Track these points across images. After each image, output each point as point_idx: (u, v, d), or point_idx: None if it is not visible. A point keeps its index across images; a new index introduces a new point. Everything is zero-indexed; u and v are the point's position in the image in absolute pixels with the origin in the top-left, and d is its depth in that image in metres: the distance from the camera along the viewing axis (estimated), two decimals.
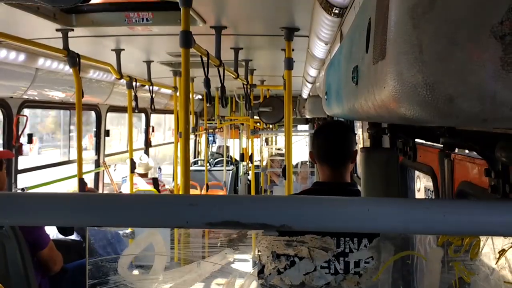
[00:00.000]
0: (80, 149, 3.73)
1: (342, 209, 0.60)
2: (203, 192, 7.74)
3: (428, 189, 1.88)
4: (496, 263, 0.66)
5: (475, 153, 1.26)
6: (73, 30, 3.01)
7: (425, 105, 0.57)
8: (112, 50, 3.91)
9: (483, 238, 0.67)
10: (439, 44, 0.55)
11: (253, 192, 7.38)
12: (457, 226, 0.59)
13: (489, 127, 0.60)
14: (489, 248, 0.68)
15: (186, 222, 0.61)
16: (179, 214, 0.60)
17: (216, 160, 10.78)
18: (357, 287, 0.73)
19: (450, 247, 0.69)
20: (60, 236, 3.88)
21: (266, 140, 10.46)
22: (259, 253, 0.70)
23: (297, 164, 9.38)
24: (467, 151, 1.31)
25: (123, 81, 4.86)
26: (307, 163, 9.37)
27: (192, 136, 10.33)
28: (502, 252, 0.65)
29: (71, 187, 5.85)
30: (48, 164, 5.14)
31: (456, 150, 1.44)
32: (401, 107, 0.62)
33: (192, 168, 9.49)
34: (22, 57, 3.60)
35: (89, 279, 0.69)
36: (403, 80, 0.58)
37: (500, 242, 0.66)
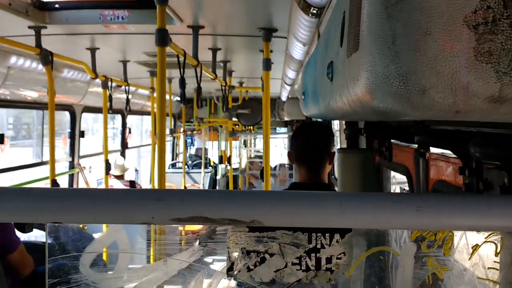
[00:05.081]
0: (52, 149, 3.63)
1: (314, 204, 0.58)
2: None
3: (404, 189, 1.89)
4: (470, 258, 0.65)
5: (449, 152, 1.26)
6: (46, 27, 2.93)
7: (398, 97, 0.56)
8: (87, 48, 3.83)
9: (456, 233, 0.66)
10: (412, 34, 0.54)
11: None
12: (430, 221, 0.58)
13: (462, 119, 0.59)
14: (463, 243, 0.67)
15: (152, 217, 0.58)
16: (145, 209, 0.57)
17: (194, 163, 10.70)
18: (329, 283, 0.71)
19: (423, 242, 0.68)
20: (32, 239, 3.77)
21: (245, 142, 10.44)
22: (229, 250, 0.68)
23: (275, 167, 9.39)
24: (441, 150, 1.31)
25: (98, 81, 4.77)
26: (286, 165, 9.39)
27: (170, 138, 10.24)
28: (476, 247, 0.64)
29: None
30: (19, 166, 4.99)
31: (432, 150, 1.44)
32: (375, 100, 0.61)
33: (169, 170, 9.38)
34: None
35: (49, 278, 0.65)
36: (376, 71, 0.57)
37: (473, 237, 0.66)
